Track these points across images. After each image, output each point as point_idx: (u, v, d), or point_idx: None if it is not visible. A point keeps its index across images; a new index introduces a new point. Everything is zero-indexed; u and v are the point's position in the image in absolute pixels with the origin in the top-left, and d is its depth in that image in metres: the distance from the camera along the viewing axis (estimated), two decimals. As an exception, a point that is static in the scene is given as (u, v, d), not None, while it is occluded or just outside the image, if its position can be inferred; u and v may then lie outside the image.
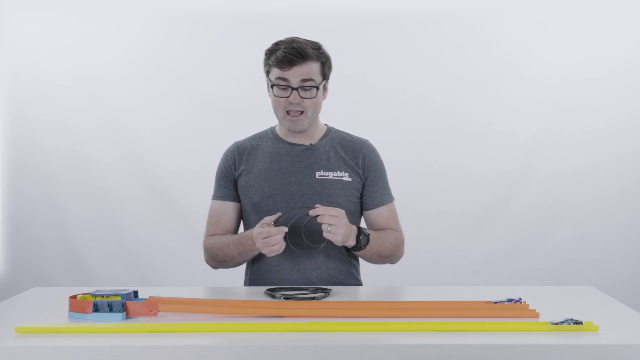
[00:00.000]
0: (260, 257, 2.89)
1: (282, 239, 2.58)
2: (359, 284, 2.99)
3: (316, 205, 2.61)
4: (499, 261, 4.94)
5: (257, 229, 2.62)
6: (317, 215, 2.59)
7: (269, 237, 2.57)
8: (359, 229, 2.71)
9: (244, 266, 3.02)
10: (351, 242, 2.67)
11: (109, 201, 4.94)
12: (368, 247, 2.73)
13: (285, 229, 2.58)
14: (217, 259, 2.88)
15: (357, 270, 3.00)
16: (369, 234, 2.73)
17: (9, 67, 4.89)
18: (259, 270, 2.89)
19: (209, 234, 2.96)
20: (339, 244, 2.65)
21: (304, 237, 2.70)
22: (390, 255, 2.89)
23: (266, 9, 4.87)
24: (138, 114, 4.90)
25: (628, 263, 4.95)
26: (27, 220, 4.96)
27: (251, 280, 2.94)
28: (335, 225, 2.57)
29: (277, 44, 2.81)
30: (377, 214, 2.94)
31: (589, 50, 4.86)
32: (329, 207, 2.59)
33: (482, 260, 4.94)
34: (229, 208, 2.96)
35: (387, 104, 4.87)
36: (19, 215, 4.97)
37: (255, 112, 4.77)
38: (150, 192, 4.93)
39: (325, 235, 2.58)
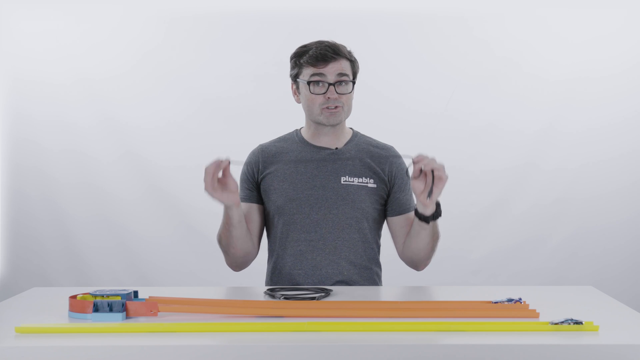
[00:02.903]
0: (280, 261, 2.88)
1: (213, 175, 2.52)
2: None
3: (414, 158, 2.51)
4: (499, 261, 4.94)
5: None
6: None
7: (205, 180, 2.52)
8: None
9: (264, 270, 3.02)
10: (433, 207, 2.62)
11: (109, 201, 4.95)
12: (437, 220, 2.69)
13: (224, 162, 2.52)
14: (223, 247, 2.84)
15: (379, 276, 2.98)
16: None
17: (9, 69, 4.89)
18: (280, 273, 2.89)
19: None
20: (437, 197, 2.57)
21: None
22: (434, 249, 2.84)
23: (266, 9, 4.88)
24: (137, 112, 4.91)
25: (629, 261, 4.96)
26: (27, 221, 4.96)
27: (272, 283, 2.93)
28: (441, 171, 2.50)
29: (304, 46, 2.84)
30: (403, 219, 2.92)
31: (590, 49, 4.87)
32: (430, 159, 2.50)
33: (482, 260, 4.95)
34: (253, 210, 2.93)
35: (386, 105, 4.88)
36: (18, 216, 4.97)
37: (254, 113, 4.82)
38: (149, 191, 4.94)
39: (442, 179, 2.49)
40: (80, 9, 4.86)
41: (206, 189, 2.54)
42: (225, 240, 2.81)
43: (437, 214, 2.66)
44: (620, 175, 4.93)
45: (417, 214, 2.68)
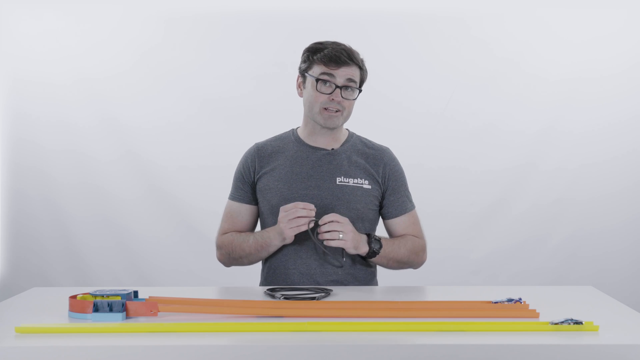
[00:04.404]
0: (275, 260, 2.88)
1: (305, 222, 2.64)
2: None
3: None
4: (499, 261, 4.94)
5: (284, 209, 2.68)
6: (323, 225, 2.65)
7: (296, 214, 2.63)
8: (369, 235, 2.74)
9: (258, 269, 3.03)
10: (364, 249, 2.71)
11: (109, 201, 4.94)
12: (382, 252, 2.75)
13: (314, 208, 2.65)
14: (232, 255, 2.88)
15: (374, 276, 2.99)
16: (380, 239, 2.76)
17: (9, 69, 4.89)
18: (275, 273, 2.88)
19: (223, 232, 2.95)
20: (351, 251, 2.69)
21: (326, 252, 2.78)
22: (408, 262, 2.89)
23: (266, 9, 4.87)
24: (137, 112, 4.91)
25: (629, 261, 4.96)
26: (27, 221, 4.95)
27: (267, 282, 2.93)
28: (344, 231, 2.62)
29: (320, 43, 2.85)
30: (398, 222, 2.94)
31: (591, 49, 4.86)
32: (332, 214, 2.64)
33: (482, 260, 4.95)
34: (245, 210, 2.95)
35: (386, 105, 4.87)
36: (18, 216, 4.96)
37: (254, 112, 4.82)
38: (149, 191, 4.94)
39: (334, 243, 2.62)
40: (79, 9, 4.86)
41: (291, 232, 2.67)
42: (246, 259, 2.88)
43: (372, 252, 2.74)
44: (620, 176, 4.92)
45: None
